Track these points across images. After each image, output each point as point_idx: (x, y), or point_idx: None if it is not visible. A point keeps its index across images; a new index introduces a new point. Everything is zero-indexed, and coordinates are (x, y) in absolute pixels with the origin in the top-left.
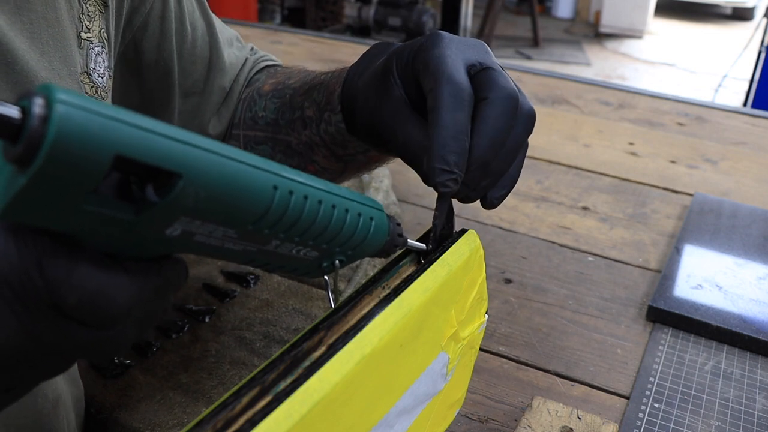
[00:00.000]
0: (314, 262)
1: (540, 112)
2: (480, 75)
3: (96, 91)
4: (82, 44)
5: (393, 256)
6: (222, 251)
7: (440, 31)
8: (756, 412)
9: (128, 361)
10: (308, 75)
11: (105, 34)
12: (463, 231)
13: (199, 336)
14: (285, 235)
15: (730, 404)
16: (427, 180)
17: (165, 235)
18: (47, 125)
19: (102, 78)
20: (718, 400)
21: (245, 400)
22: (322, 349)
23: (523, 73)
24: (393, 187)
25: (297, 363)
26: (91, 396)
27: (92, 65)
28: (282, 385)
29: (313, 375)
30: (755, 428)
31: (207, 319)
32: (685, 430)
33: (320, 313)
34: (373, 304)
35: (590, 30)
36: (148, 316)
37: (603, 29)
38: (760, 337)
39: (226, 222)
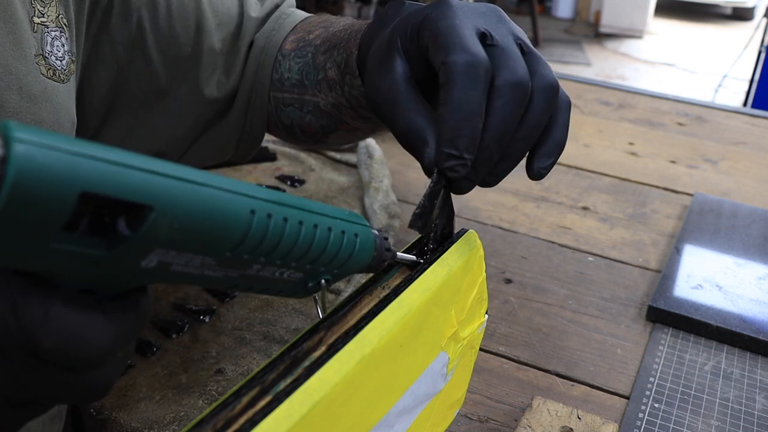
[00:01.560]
0: (299, 283)
1: None
2: (486, 51)
3: (54, 73)
4: (35, 28)
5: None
6: (202, 279)
7: (447, 0)
8: (756, 412)
9: (128, 361)
10: (329, 28)
11: (64, 20)
12: (463, 231)
13: (199, 336)
14: (266, 259)
15: (730, 404)
16: (431, 164)
17: (140, 267)
18: (6, 166)
19: (61, 61)
20: (718, 400)
21: (245, 400)
22: (322, 349)
23: None
24: (393, 187)
25: (297, 363)
26: None
27: (48, 48)
28: (282, 385)
29: (313, 375)
30: (755, 428)
31: (207, 319)
32: (685, 430)
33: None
34: (373, 304)
35: (590, 30)
36: (128, 352)
37: (603, 29)
38: (760, 337)
39: (203, 251)
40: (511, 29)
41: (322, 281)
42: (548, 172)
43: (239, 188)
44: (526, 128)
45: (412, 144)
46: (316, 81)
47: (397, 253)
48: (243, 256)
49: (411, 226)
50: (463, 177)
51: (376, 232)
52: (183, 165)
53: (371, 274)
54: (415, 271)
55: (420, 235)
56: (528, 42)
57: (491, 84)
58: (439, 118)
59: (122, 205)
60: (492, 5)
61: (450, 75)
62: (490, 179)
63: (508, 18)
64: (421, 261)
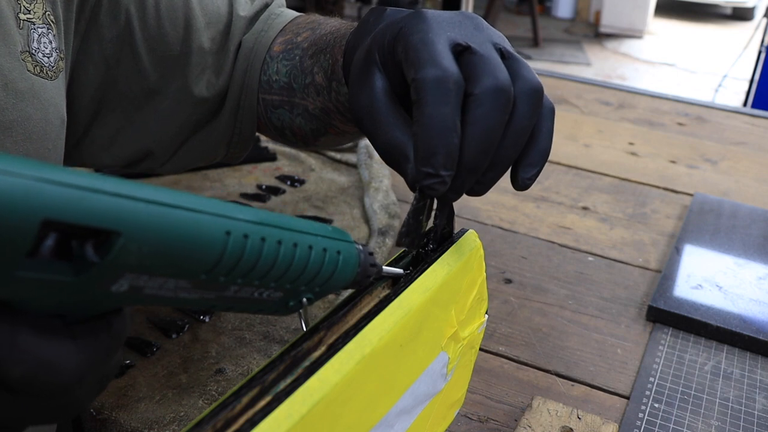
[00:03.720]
0: (280, 302)
1: None
2: (462, 61)
3: (41, 70)
4: (21, 25)
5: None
6: (177, 301)
7: (422, 11)
8: (756, 412)
9: (128, 361)
10: (316, 30)
11: (51, 17)
12: (463, 231)
13: (199, 336)
14: (243, 280)
15: (730, 404)
16: (413, 181)
17: (111, 292)
18: None
19: (49, 58)
20: (718, 400)
21: (245, 400)
22: (322, 349)
23: None
24: (393, 187)
25: (297, 363)
26: None
27: (35, 45)
28: (282, 385)
29: (313, 375)
30: (755, 428)
31: (207, 319)
32: (685, 430)
33: (320, 313)
34: (373, 304)
35: (590, 30)
36: (103, 377)
37: (603, 29)
38: (760, 337)
39: (176, 274)
40: (489, 36)
41: (304, 300)
42: (533, 183)
43: (214, 209)
44: (513, 134)
45: (394, 160)
46: (303, 85)
47: (383, 267)
48: (219, 278)
49: (398, 244)
50: (448, 190)
51: (361, 247)
52: (153, 186)
53: None
54: (415, 270)
55: (402, 250)
56: (509, 47)
57: (471, 93)
58: (413, 136)
59: (89, 230)
60: (469, 13)
61: (420, 92)
62: (479, 188)
63: (486, 25)
64: (407, 272)
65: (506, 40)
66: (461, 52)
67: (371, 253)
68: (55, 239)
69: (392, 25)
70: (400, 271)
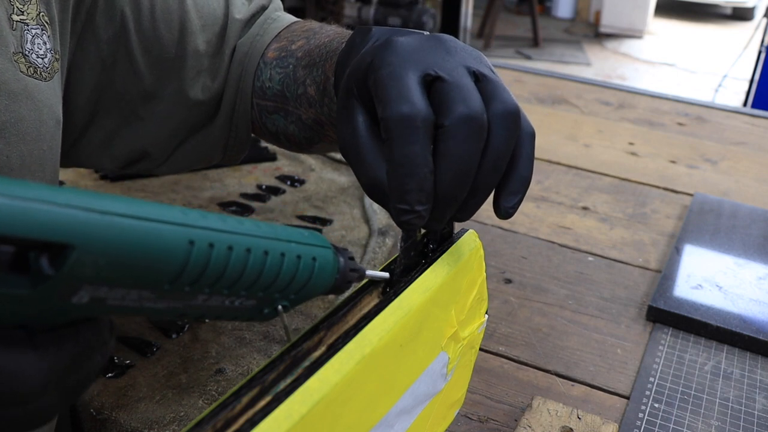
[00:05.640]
0: (254, 310)
1: (540, 112)
2: (433, 90)
3: (35, 71)
4: (14, 26)
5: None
6: (144, 311)
7: (392, 40)
8: (756, 412)
9: (128, 361)
10: (310, 40)
11: (45, 18)
12: (463, 231)
13: (199, 336)
14: (211, 289)
15: (730, 404)
16: (394, 220)
17: (72, 303)
18: None
19: (43, 59)
20: (718, 400)
21: (245, 400)
22: (322, 349)
23: (523, 73)
24: None
25: (297, 363)
26: (91, 396)
27: (28, 46)
28: (282, 385)
29: (313, 375)
30: (755, 428)
31: (207, 319)
32: (685, 430)
33: (320, 313)
34: (373, 304)
35: (590, 30)
36: (74, 385)
37: (603, 29)
38: (760, 337)
39: (137, 285)
40: (462, 60)
41: (279, 307)
42: (516, 210)
43: (176, 218)
44: (490, 160)
45: (377, 198)
46: (296, 95)
47: (367, 271)
48: (184, 288)
49: (392, 284)
50: (429, 220)
51: (341, 253)
52: (113, 195)
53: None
54: (415, 271)
55: (395, 256)
56: (484, 69)
57: (442, 125)
58: (387, 175)
59: (42, 243)
60: (441, 36)
61: (388, 131)
62: (461, 215)
63: (461, 46)
64: (392, 278)
65: (483, 59)
66: (432, 82)
67: (352, 258)
68: (13, 251)
69: (367, 55)
70: (385, 274)
